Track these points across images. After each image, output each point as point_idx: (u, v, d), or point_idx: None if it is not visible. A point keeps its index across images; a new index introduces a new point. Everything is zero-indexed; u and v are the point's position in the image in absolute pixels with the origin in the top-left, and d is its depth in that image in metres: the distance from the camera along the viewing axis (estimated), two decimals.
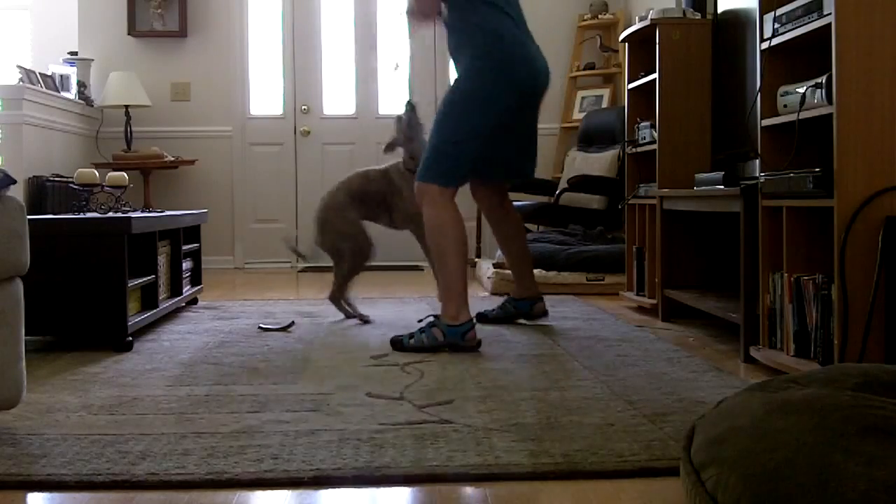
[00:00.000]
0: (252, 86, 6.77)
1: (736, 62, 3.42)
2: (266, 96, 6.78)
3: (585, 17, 6.58)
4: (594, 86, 6.64)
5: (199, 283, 4.40)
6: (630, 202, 4.20)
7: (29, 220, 2.07)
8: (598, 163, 5.52)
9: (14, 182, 1.99)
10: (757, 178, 2.77)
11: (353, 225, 3.64)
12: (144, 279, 3.39)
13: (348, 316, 3.75)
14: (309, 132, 6.70)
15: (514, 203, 5.58)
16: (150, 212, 4.09)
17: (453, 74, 3.30)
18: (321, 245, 3.70)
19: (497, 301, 3.76)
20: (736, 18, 3.47)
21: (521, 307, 3.58)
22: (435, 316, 3.05)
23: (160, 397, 2.35)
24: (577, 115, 6.49)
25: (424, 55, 6.66)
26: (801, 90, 2.46)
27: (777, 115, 2.62)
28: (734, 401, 1.44)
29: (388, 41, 6.78)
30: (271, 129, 6.75)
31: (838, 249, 2.27)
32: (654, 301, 3.86)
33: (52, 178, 5.47)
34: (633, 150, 4.17)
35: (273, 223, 6.59)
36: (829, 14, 2.30)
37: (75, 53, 6.50)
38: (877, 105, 2.28)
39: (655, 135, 3.82)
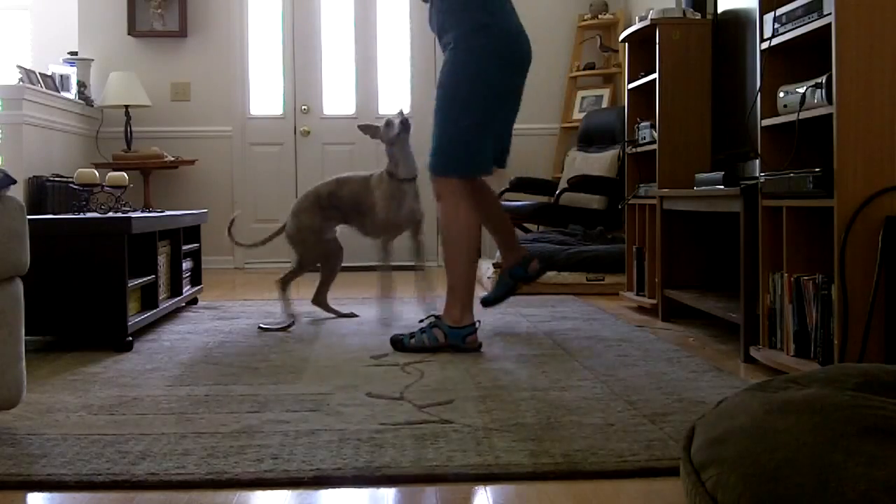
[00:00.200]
0: (252, 86, 6.77)
1: (736, 62, 3.42)
2: (266, 96, 6.78)
3: (585, 17, 6.58)
4: (594, 86, 6.63)
5: (199, 283, 4.40)
6: (630, 202, 4.20)
7: (29, 220, 2.07)
8: (598, 163, 5.52)
9: (14, 182, 1.99)
10: (757, 178, 2.77)
11: (305, 231, 3.69)
12: (144, 279, 3.39)
13: (339, 315, 3.80)
14: (309, 132, 6.70)
15: (514, 203, 5.62)
16: (150, 212, 4.09)
17: None
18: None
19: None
20: (736, 18, 3.47)
21: (517, 273, 3.50)
22: (436, 316, 3.05)
23: (160, 397, 2.35)
24: (577, 115, 6.49)
25: (425, 54, 6.66)
26: (801, 90, 2.46)
27: (777, 115, 2.62)
28: (734, 401, 1.44)
29: (388, 41, 6.78)
30: (271, 129, 6.75)
31: (838, 249, 2.27)
32: (654, 301, 3.86)
33: (52, 178, 5.47)
34: (633, 150, 4.17)
35: (273, 223, 6.56)
36: (829, 14, 2.30)
37: (75, 53, 6.50)
38: (877, 105, 2.28)
39: (655, 135, 3.82)
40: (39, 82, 5.72)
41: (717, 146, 3.69)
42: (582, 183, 5.25)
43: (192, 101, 6.67)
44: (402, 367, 2.71)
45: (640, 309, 4.04)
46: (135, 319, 3.21)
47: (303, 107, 6.73)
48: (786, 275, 2.55)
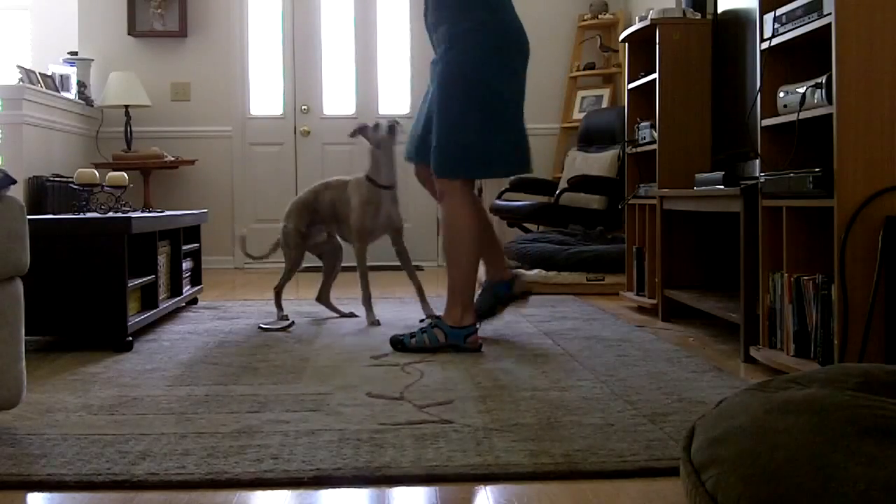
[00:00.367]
0: (252, 86, 6.77)
1: (736, 62, 3.42)
2: (266, 96, 6.78)
3: (585, 17, 6.58)
4: (594, 86, 6.63)
5: (199, 283, 4.40)
6: (630, 202, 4.20)
7: (29, 220, 2.07)
8: (598, 163, 5.51)
9: (14, 182, 1.99)
10: (757, 178, 2.77)
11: (288, 235, 3.76)
12: (144, 279, 3.39)
13: (340, 315, 3.82)
14: (309, 132, 6.70)
15: (514, 203, 5.62)
16: (150, 212, 4.09)
17: None
18: None
19: None
20: (736, 18, 3.47)
21: (500, 291, 3.25)
22: (437, 316, 3.04)
23: (160, 397, 2.35)
24: (577, 115, 6.49)
25: (425, 55, 6.66)
26: (801, 90, 2.46)
27: (777, 115, 2.62)
28: (734, 401, 1.44)
29: (388, 41, 6.78)
30: (271, 129, 6.75)
31: (838, 249, 2.27)
32: (654, 301, 3.86)
33: (52, 178, 5.47)
34: (633, 150, 4.17)
35: (273, 223, 6.57)
36: (829, 14, 2.30)
37: (75, 53, 6.50)
38: (877, 105, 2.28)
39: (655, 135, 3.82)
40: (39, 82, 5.72)
41: (717, 146, 3.69)
42: (582, 183, 5.25)
43: (192, 101, 6.67)
44: (402, 367, 2.71)
45: (640, 309, 4.04)
46: (135, 319, 3.20)
47: (303, 107, 6.73)
48: (786, 275, 2.55)
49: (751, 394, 1.45)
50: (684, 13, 3.80)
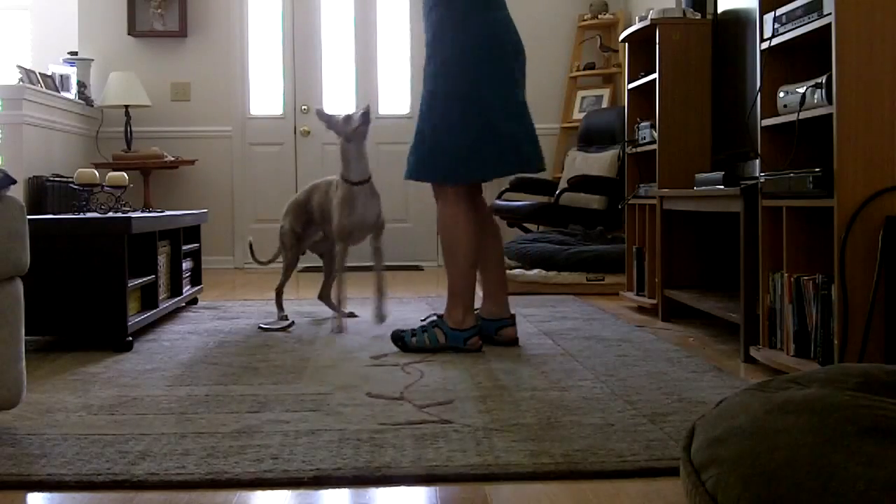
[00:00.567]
0: (252, 86, 6.77)
1: (736, 62, 3.42)
2: (266, 96, 6.78)
3: (585, 17, 6.58)
4: (594, 86, 6.64)
5: (199, 283, 4.40)
6: (630, 202, 4.20)
7: (29, 220, 2.07)
8: (598, 163, 5.52)
9: (14, 182, 1.99)
10: (757, 178, 2.77)
11: (284, 234, 3.77)
12: (144, 279, 3.39)
13: (342, 315, 3.80)
14: (309, 132, 6.70)
15: (514, 203, 5.62)
16: (150, 212, 4.10)
17: None
18: None
19: None
20: (736, 18, 3.47)
21: (487, 329, 3.06)
22: (438, 316, 3.04)
23: (160, 397, 2.35)
24: (577, 115, 6.49)
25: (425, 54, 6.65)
26: (801, 90, 2.46)
27: (777, 115, 2.62)
28: (734, 401, 1.44)
29: (388, 41, 6.78)
30: (271, 129, 6.75)
31: (838, 249, 2.27)
32: (654, 301, 3.86)
33: (52, 178, 5.47)
34: (633, 150, 4.17)
35: (273, 223, 6.57)
36: (829, 14, 2.30)
37: (75, 53, 6.50)
38: (877, 105, 2.28)
39: (655, 135, 3.82)
40: (39, 82, 5.72)
41: (717, 146, 3.69)
42: (582, 183, 5.25)
43: (192, 101, 6.67)
44: (402, 367, 2.71)
45: (640, 309, 4.04)
46: (135, 319, 3.21)
47: (303, 107, 6.73)
48: (786, 275, 2.55)
49: (751, 394, 1.45)
50: (684, 13, 3.80)
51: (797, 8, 2.48)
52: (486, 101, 2.89)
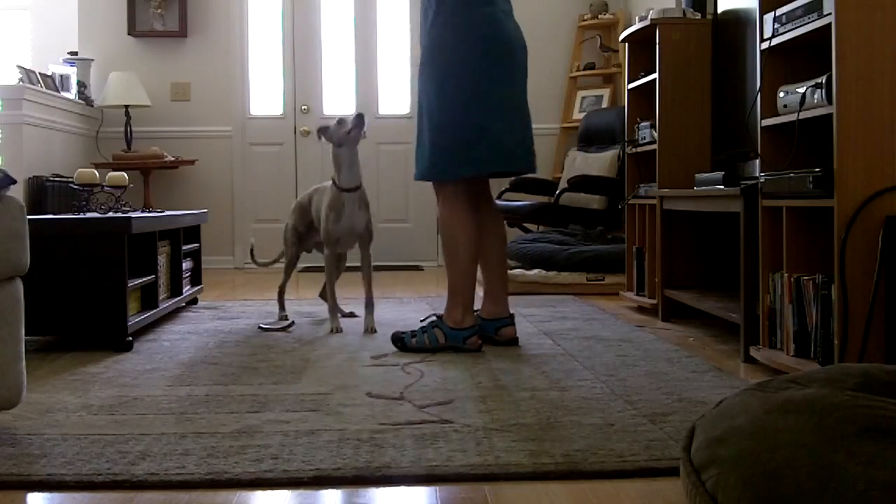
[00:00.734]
0: (252, 86, 6.77)
1: (736, 62, 3.42)
2: (266, 96, 6.78)
3: (585, 17, 6.58)
4: (594, 86, 6.64)
5: (199, 283, 4.40)
6: (630, 202, 4.20)
7: (29, 220, 2.07)
8: (598, 163, 5.52)
9: (14, 182, 1.99)
10: (757, 178, 2.77)
11: (287, 231, 3.80)
12: (144, 279, 3.39)
13: (342, 315, 3.80)
14: (309, 132, 6.70)
15: (514, 203, 5.62)
16: (150, 212, 4.10)
17: None
18: None
19: None
20: (736, 18, 3.47)
21: (486, 329, 3.08)
22: (437, 316, 3.04)
23: (160, 397, 2.35)
24: (577, 115, 6.49)
25: None
26: (801, 90, 2.46)
27: (777, 115, 2.62)
28: (734, 401, 1.44)
29: (388, 41, 6.78)
30: (271, 129, 6.75)
31: (838, 249, 2.27)
32: (654, 301, 3.86)
33: (52, 178, 5.47)
34: (633, 150, 4.17)
35: (273, 223, 6.59)
36: (829, 14, 2.30)
37: (75, 53, 6.51)
38: (877, 105, 2.28)
39: (655, 135, 3.82)
40: (39, 82, 5.72)
41: (717, 146, 3.69)
42: (582, 183, 5.25)
43: (192, 101, 6.67)
44: (402, 367, 2.71)
45: (640, 309, 4.04)
46: (135, 319, 3.21)
47: (303, 107, 6.73)
48: (786, 275, 2.55)
49: (751, 394, 1.45)
50: (684, 13, 3.80)
51: (797, 8, 2.48)
52: (468, 97, 2.88)
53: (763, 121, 2.70)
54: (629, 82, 4.22)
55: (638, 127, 4.09)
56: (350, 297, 4.31)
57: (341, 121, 3.45)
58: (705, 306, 3.28)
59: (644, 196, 3.99)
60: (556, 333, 3.35)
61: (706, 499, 1.22)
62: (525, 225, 5.87)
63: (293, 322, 3.63)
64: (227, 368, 2.74)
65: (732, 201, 2.92)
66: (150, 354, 3.00)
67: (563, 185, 5.52)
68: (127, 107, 6.32)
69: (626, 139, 4.32)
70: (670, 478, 1.65)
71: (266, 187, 6.69)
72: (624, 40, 4.25)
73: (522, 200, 5.73)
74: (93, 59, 6.51)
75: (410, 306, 4.17)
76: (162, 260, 3.70)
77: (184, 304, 4.11)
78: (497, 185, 5.68)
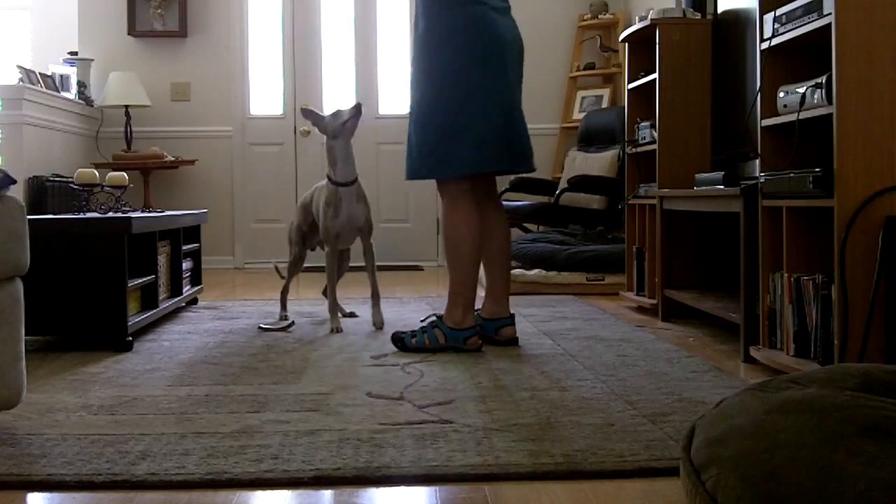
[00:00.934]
0: (252, 86, 6.77)
1: (736, 62, 3.42)
2: (266, 96, 6.78)
3: (585, 17, 6.58)
4: (594, 86, 6.64)
5: (199, 283, 4.40)
6: (630, 202, 4.20)
7: (29, 220, 2.07)
8: (598, 163, 5.52)
9: (14, 182, 1.99)
10: (757, 178, 2.77)
11: (291, 230, 3.80)
12: (144, 279, 3.39)
13: (343, 315, 3.81)
14: (309, 132, 6.70)
15: (514, 203, 5.62)
16: (150, 212, 4.10)
17: None
18: None
19: None
20: (736, 18, 3.47)
21: (486, 329, 3.07)
22: (438, 316, 3.04)
23: (160, 397, 2.35)
24: (577, 115, 6.49)
25: None
26: (801, 90, 2.46)
27: (777, 115, 2.62)
28: (734, 401, 1.44)
29: (388, 41, 6.78)
30: (271, 128, 6.75)
31: (838, 249, 2.27)
32: (654, 301, 3.86)
33: (52, 178, 5.47)
34: (633, 150, 4.17)
35: (273, 223, 6.60)
36: (829, 14, 2.30)
37: (75, 53, 6.51)
38: (877, 105, 2.28)
39: (655, 135, 3.82)
40: (39, 82, 5.72)
41: (717, 146, 3.69)
42: (582, 183, 5.25)
43: (192, 101, 6.67)
44: (402, 367, 2.71)
45: (640, 309, 4.04)
46: (135, 319, 3.21)
47: (302, 107, 6.72)
48: (786, 275, 2.55)
49: (751, 394, 1.45)
50: (684, 13, 3.80)
51: (797, 8, 2.48)
52: (452, 97, 2.87)
53: (763, 121, 2.70)
54: (629, 82, 4.22)
55: (638, 127, 4.09)
56: (351, 296, 4.31)
57: (337, 112, 3.44)
58: (705, 306, 3.28)
59: (644, 196, 3.99)
60: (556, 333, 3.35)
61: (706, 499, 1.22)
62: (525, 225, 5.87)
63: (293, 322, 3.63)
64: (227, 368, 2.74)
65: (732, 201, 2.92)
66: (150, 354, 3.00)
67: (563, 185, 5.52)
68: (127, 107, 6.32)
69: (626, 139, 4.32)
70: (670, 478, 1.65)
71: (266, 187, 6.69)
72: (624, 40, 4.25)
73: (522, 200, 5.73)
74: (93, 59, 6.51)
75: (410, 306, 4.17)
76: (162, 260, 3.70)
77: (184, 304, 4.11)
78: (497, 184, 5.70)
